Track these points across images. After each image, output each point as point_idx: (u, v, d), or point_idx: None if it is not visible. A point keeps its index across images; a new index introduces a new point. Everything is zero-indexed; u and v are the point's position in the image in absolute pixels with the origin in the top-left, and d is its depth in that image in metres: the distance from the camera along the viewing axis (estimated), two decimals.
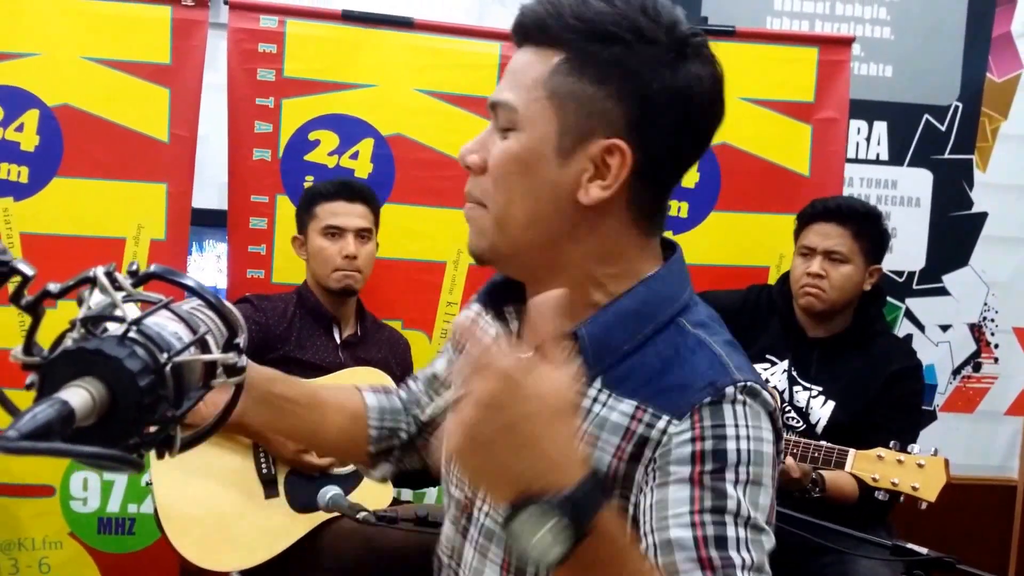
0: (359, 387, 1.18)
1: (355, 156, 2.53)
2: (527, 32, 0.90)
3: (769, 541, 0.84)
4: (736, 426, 0.84)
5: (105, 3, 2.42)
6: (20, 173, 2.41)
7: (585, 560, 0.67)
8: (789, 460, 2.08)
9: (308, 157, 2.53)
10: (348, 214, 2.27)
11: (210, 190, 2.73)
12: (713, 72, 0.89)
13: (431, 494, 2.67)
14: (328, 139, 2.52)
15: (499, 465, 0.68)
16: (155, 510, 2.09)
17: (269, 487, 2.13)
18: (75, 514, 2.55)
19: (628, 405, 0.88)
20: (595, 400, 0.90)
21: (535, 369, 0.68)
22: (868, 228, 2.29)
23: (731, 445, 0.83)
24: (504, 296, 1.02)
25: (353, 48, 2.53)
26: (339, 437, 1.14)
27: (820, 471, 2.12)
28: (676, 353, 0.90)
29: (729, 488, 0.82)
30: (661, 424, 0.85)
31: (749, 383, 0.86)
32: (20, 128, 2.40)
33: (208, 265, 2.84)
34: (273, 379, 1.07)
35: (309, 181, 2.52)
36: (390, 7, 2.63)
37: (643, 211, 0.91)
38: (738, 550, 0.80)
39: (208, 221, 2.72)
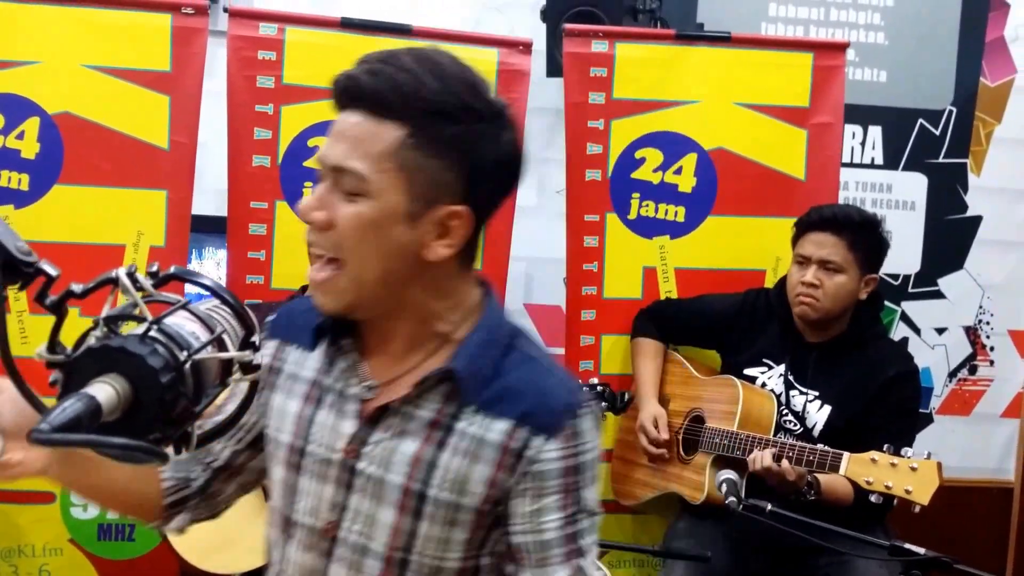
0: None
1: None
2: (365, 99, 0.98)
3: (599, 517, 1.10)
4: (586, 441, 1.06)
5: (105, 11, 2.42)
6: (21, 181, 2.41)
7: None
8: (785, 463, 2.09)
9: (307, 164, 2.54)
10: None
11: (210, 197, 2.74)
12: (516, 133, 1.05)
13: None
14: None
15: None
16: None
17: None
18: (75, 520, 2.55)
19: (503, 423, 1.04)
20: (471, 422, 1.04)
21: None
22: (864, 237, 2.29)
23: (586, 457, 1.06)
24: (333, 330, 1.10)
25: (352, 55, 2.47)
26: (135, 492, 1.16)
27: (815, 474, 2.13)
28: (531, 379, 1.07)
29: (584, 492, 1.06)
30: (536, 442, 1.03)
31: (586, 403, 1.08)
32: (21, 136, 2.40)
33: (208, 271, 2.85)
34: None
35: (308, 187, 2.53)
36: (389, 15, 2.65)
37: (468, 253, 1.06)
38: (587, 536, 1.06)
39: (208, 227, 2.72)
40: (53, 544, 2.53)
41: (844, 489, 2.14)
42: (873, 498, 1.96)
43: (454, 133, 0.98)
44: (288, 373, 1.15)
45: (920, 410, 2.90)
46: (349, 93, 0.99)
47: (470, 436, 1.04)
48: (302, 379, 1.13)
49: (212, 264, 2.88)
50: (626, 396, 2.48)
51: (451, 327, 1.07)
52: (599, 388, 2.47)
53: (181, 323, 0.78)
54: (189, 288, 0.86)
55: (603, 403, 2.46)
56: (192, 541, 2.06)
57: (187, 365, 0.73)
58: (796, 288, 2.31)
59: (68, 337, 0.76)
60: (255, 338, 0.82)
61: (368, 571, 1.07)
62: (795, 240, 2.37)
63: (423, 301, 1.06)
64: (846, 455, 2.02)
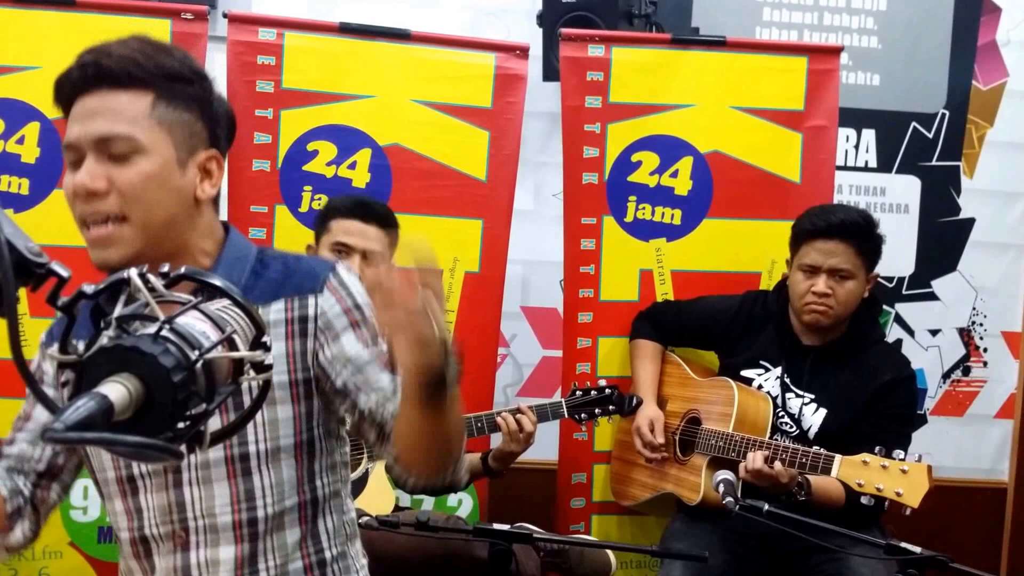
0: None
1: (353, 166, 2.56)
2: (105, 78, 1.12)
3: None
4: (355, 287, 1.25)
5: (105, 17, 2.44)
6: (21, 185, 2.43)
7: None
8: (778, 465, 2.10)
9: (307, 167, 2.55)
10: (360, 235, 2.21)
11: None
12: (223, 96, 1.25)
13: (427, 501, 2.69)
14: (326, 149, 2.55)
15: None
16: None
17: None
18: (75, 523, 2.55)
19: (278, 304, 1.20)
20: None
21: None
22: (867, 238, 2.28)
23: (359, 299, 1.24)
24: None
25: (351, 60, 2.56)
26: None
27: (807, 476, 2.13)
28: (285, 266, 1.24)
29: (371, 323, 1.23)
30: (310, 301, 1.21)
31: (338, 264, 1.27)
32: (21, 140, 2.42)
33: None
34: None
35: (308, 191, 2.54)
36: (387, 20, 2.66)
37: (217, 195, 1.23)
38: (379, 346, 1.23)
39: None
40: (53, 547, 2.53)
41: (836, 491, 2.15)
42: (864, 500, 1.97)
43: (192, 91, 1.17)
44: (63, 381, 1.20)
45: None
46: (90, 78, 1.12)
47: None
48: None
49: None
50: (634, 400, 2.46)
51: (210, 259, 1.22)
52: (607, 391, 2.44)
53: (192, 323, 0.77)
54: None
55: (611, 407, 2.44)
56: None
57: (199, 364, 0.73)
58: (805, 297, 2.28)
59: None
60: (266, 338, 0.83)
61: (216, 477, 1.18)
62: (796, 245, 2.34)
63: (196, 242, 1.20)
64: (838, 457, 2.03)
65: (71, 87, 1.14)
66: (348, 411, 1.22)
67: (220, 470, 1.18)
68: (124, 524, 1.24)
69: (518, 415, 2.29)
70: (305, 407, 1.21)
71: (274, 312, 1.20)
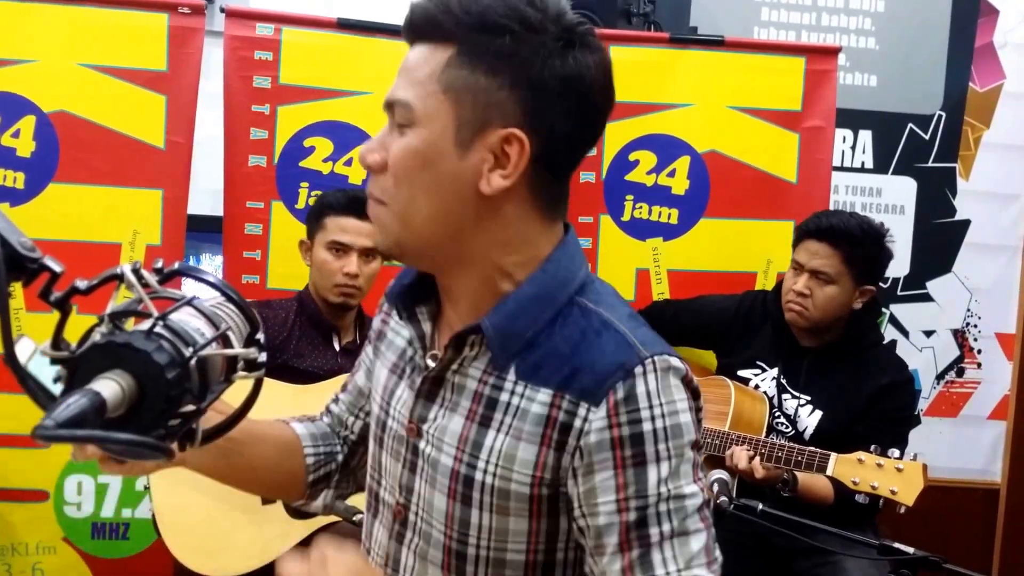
0: (284, 419, 1.18)
1: (349, 163, 2.55)
2: (418, 29, 0.91)
3: (695, 501, 0.89)
4: (650, 406, 0.88)
5: (102, 10, 2.43)
6: (16, 179, 2.42)
7: None
8: (756, 461, 2.11)
9: (303, 163, 2.55)
10: (356, 232, 2.20)
11: (206, 196, 2.74)
12: (601, 59, 0.91)
13: None
14: (323, 146, 2.54)
15: None
16: (152, 514, 2.10)
17: None
18: (69, 519, 2.54)
19: (545, 394, 0.90)
20: (512, 392, 0.92)
21: None
22: (861, 251, 2.26)
23: (647, 427, 0.88)
24: (415, 296, 1.02)
25: (348, 56, 2.55)
26: (279, 471, 1.12)
27: (794, 472, 2.14)
28: (583, 336, 0.92)
29: (650, 470, 0.87)
30: (581, 412, 0.88)
31: (656, 356, 0.90)
32: (16, 134, 2.41)
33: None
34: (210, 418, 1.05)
35: (304, 187, 2.54)
36: (385, 16, 2.65)
37: (544, 198, 0.93)
38: (658, 524, 0.87)
39: (204, 227, 2.72)
40: (46, 542, 2.52)
41: (824, 489, 2.16)
42: (859, 498, 1.97)
43: (504, 46, 0.87)
44: (388, 340, 1.08)
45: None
46: (407, 29, 0.93)
47: (514, 409, 0.91)
48: (395, 347, 1.06)
49: (209, 267, 2.88)
50: None
51: (513, 286, 0.94)
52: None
53: (186, 319, 0.77)
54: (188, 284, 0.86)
55: None
56: (187, 543, 2.06)
57: (192, 361, 0.72)
58: (788, 294, 2.31)
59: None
60: (259, 335, 0.83)
61: (432, 560, 0.97)
62: (795, 244, 2.37)
63: (488, 252, 0.93)
64: (833, 455, 2.03)
65: (406, 39, 0.94)
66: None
67: (437, 554, 0.97)
68: (364, 533, 1.10)
69: None
70: (547, 524, 0.93)
71: (538, 404, 0.91)
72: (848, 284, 2.27)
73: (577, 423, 0.89)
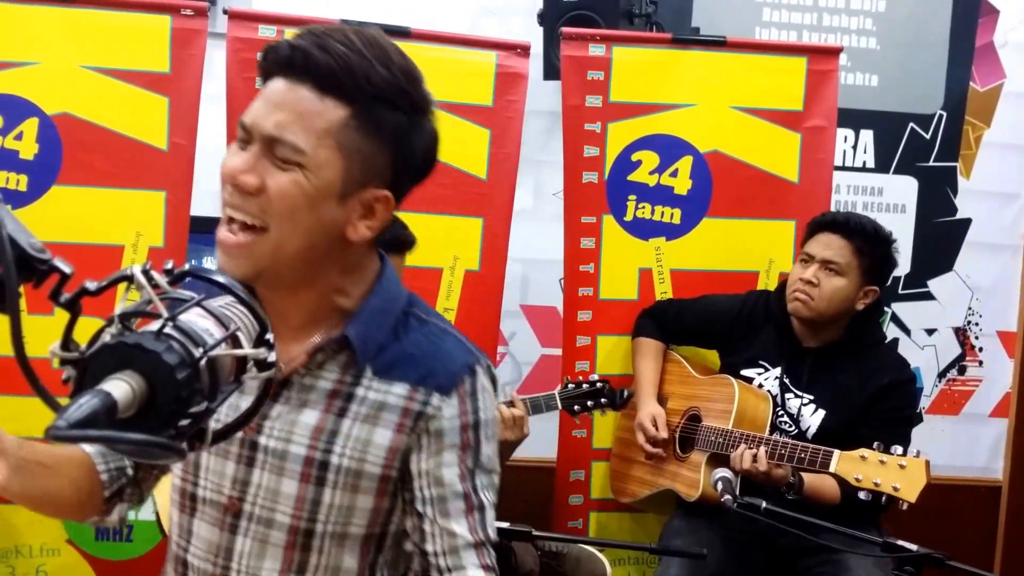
0: None
1: None
2: (307, 73, 0.98)
3: (497, 480, 1.14)
4: (484, 399, 1.11)
5: (104, 12, 2.43)
6: (19, 181, 2.42)
7: None
8: (761, 452, 2.12)
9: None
10: None
11: (209, 198, 2.73)
12: (436, 125, 1.08)
13: None
14: None
15: None
16: (156, 515, 2.10)
17: None
18: (73, 521, 2.55)
19: (401, 388, 1.08)
20: (369, 388, 1.08)
21: None
22: (872, 247, 2.28)
23: (483, 416, 1.10)
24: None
25: None
26: (81, 490, 1.14)
27: (801, 473, 2.15)
28: (428, 341, 1.11)
29: (482, 449, 1.10)
30: (434, 401, 1.07)
31: (486, 362, 1.13)
32: (19, 136, 2.41)
33: None
34: (21, 444, 1.05)
35: None
36: (387, 17, 2.66)
37: (380, 234, 1.08)
38: (487, 494, 1.11)
39: (207, 229, 2.72)
40: (50, 544, 2.52)
41: (830, 490, 2.16)
42: (862, 495, 1.98)
43: (393, 120, 1.01)
44: None
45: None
46: (296, 65, 0.99)
47: (370, 401, 1.07)
48: None
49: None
50: (625, 392, 2.50)
51: (351, 302, 1.10)
52: (598, 385, 2.49)
53: (195, 320, 0.77)
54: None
55: (603, 399, 2.48)
56: None
57: (202, 362, 0.72)
58: (794, 284, 2.31)
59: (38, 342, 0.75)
60: (269, 335, 0.83)
61: (273, 542, 1.09)
62: (804, 241, 2.37)
63: (330, 277, 1.07)
64: (836, 452, 2.04)
65: (275, 64, 1.01)
66: (411, 531, 1.10)
67: (280, 536, 1.09)
68: (174, 535, 1.17)
69: (511, 407, 2.30)
70: (388, 503, 1.10)
71: (394, 396, 1.08)
72: (855, 278, 2.28)
73: (429, 411, 1.07)
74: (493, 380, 1.15)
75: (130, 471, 1.18)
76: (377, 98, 1.00)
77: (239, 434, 1.07)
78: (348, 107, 0.99)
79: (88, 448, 1.17)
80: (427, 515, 1.08)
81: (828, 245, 2.28)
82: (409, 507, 1.09)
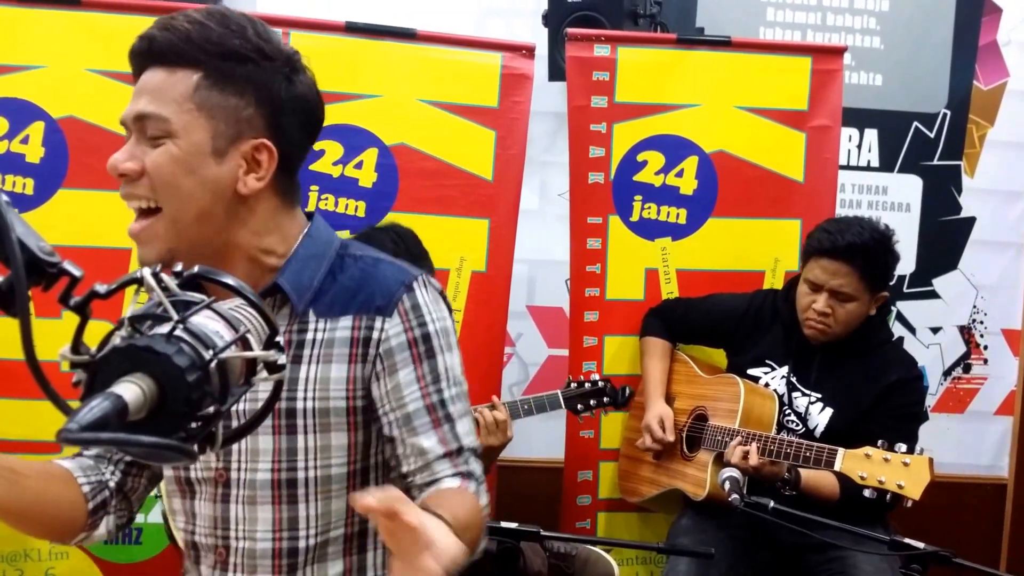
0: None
1: (359, 166, 2.56)
2: (157, 55, 1.07)
3: (465, 387, 1.16)
4: (429, 312, 1.13)
5: (109, 15, 2.43)
6: (25, 185, 2.42)
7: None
8: (752, 449, 2.12)
9: (313, 167, 2.54)
10: None
11: None
12: (313, 79, 1.14)
13: None
14: (332, 149, 2.54)
15: None
16: (164, 515, 2.11)
17: None
18: None
19: (346, 320, 1.11)
20: (316, 330, 1.11)
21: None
22: (874, 263, 2.24)
23: (431, 328, 1.12)
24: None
25: (357, 59, 2.55)
26: (64, 502, 1.14)
27: (798, 469, 2.15)
28: (363, 273, 1.14)
29: (439, 360, 1.12)
30: (377, 324, 1.10)
31: (424, 276, 1.15)
32: (25, 140, 2.41)
33: None
34: None
35: (314, 191, 2.54)
36: (393, 19, 2.66)
37: (285, 191, 1.13)
38: (454, 404, 1.12)
39: None
40: (59, 548, 2.52)
41: (828, 487, 2.17)
42: (867, 493, 1.98)
43: (246, 72, 1.06)
44: None
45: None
46: (143, 54, 1.08)
47: (319, 342, 1.10)
48: None
49: None
50: (627, 391, 2.50)
51: (280, 259, 1.13)
52: (600, 384, 2.49)
53: (206, 322, 0.76)
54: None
55: (606, 399, 2.48)
56: None
57: (213, 364, 0.73)
58: (807, 312, 2.29)
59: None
60: (279, 338, 0.83)
61: (261, 501, 1.11)
62: (806, 258, 2.33)
63: (249, 240, 1.11)
64: (841, 451, 2.04)
65: (134, 63, 1.10)
66: (391, 459, 1.13)
67: (266, 493, 1.11)
68: (181, 524, 1.20)
69: (493, 410, 2.30)
70: (363, 436, 1.13)
71: (341, 330, 1.11)
72: (866, 297, 2.27)
73: (375, 335, 1.10)
74: (439, 292, 1.17)
75: (112, 483, 1.20)
76: (222, 55, 1.05)
77: None
78: (198, 70, 1.05)
79: (66, 463, 1.19)
80: (396, 437, 1.10)
81: (835, 274, 2.23)
82: (383, 436, 1.12)
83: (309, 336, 1.11)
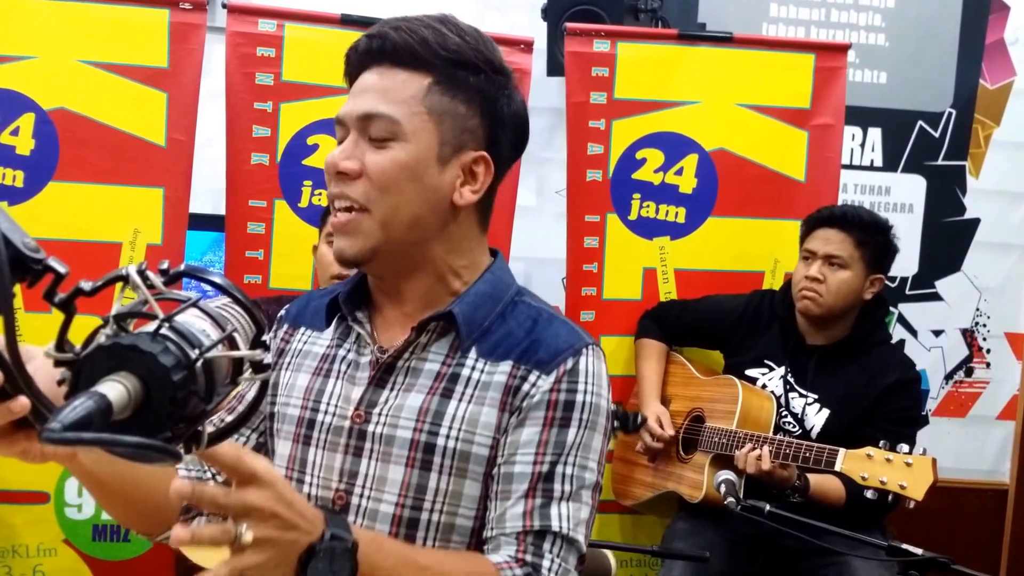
0: None
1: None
2: (390, 54, 1.04)
3: (592, 478, 1.06)
4: (586, 381, 1.06)
5: (102, 6, 2.40)
6: (15, 177, 2.39)
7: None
8: (764, 451, 2.11)
9: (306, 162, 2.53)
10: None
11: (207, 195, 2.72)
12: (524, 100, 1.13)
13: None
14: (327, 143, 2.52)
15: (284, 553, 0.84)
16: None
17: None
18: (70, 521, 2.52)
19: (506, 365, 1.05)
20: (474, 369, 1.06)
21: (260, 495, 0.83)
22: (872, 237, 2.30)
23: (579, 397, 1.05)
24: (353, 305, 1.13)
25: None
26: (159, 490, 1.05)
27: (807, 475, 2.14)
28: (535, 323, 1.09)
29: (570, 432, 1.04)
30: (532, 378, 1.04)
31: (597, 346, 1.10)
32: (15, 132, 2.38)
33: None
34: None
35: (308, 186, 2.51)
36: (389, 12, 2.62)
37: (484, 211, 1.11)
38: (562, 483, 1.03)
39: (205, 226, 2.70)
40: (47, 544, 2.50)
41: (835, 492, 2.16)
42: (869, 494, 1.97)
43: (477, 82, 1.05)
44: (296, 351, 1.16)
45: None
46: (374, 52, 1.05)
47: (475, 382, 1.05)
48: (312, 355, 1.15)
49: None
50: (639, 418, 2.46)
51: (463, 285, 1.10)
52: (612, 407, 2.44)
53: (192, 321, 0.76)
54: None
55: (615, 422, 2.45)
56: None
57: (199, 363, 0.72)
58: (800, 283, 2.32)
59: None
60: (266, 337, 0.81)
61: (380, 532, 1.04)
62: (803, 238, 2.38)
63: (443, 256, 1.08)
64: (842, 451, 2.03)
65: (357, 60, 1.07)
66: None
67: (384, 527, 1.04)
68: (283, 473, 1.12)
69: None
70: None
71: (499, 374, 1.05)
72: (860, 270, 2.29)
73: (526, 387, 1.04)
74: (604, 364, 1.11)
75: (212, 483, 1.12)
76: (455, 63, 1.04)
77: (347, 425, 1.07)
78: (430, 74, 1.04)
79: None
80: (490, 495, 1.03)
81: (828, 240, 2.29)
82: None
83: (465, 373, 1.06)
